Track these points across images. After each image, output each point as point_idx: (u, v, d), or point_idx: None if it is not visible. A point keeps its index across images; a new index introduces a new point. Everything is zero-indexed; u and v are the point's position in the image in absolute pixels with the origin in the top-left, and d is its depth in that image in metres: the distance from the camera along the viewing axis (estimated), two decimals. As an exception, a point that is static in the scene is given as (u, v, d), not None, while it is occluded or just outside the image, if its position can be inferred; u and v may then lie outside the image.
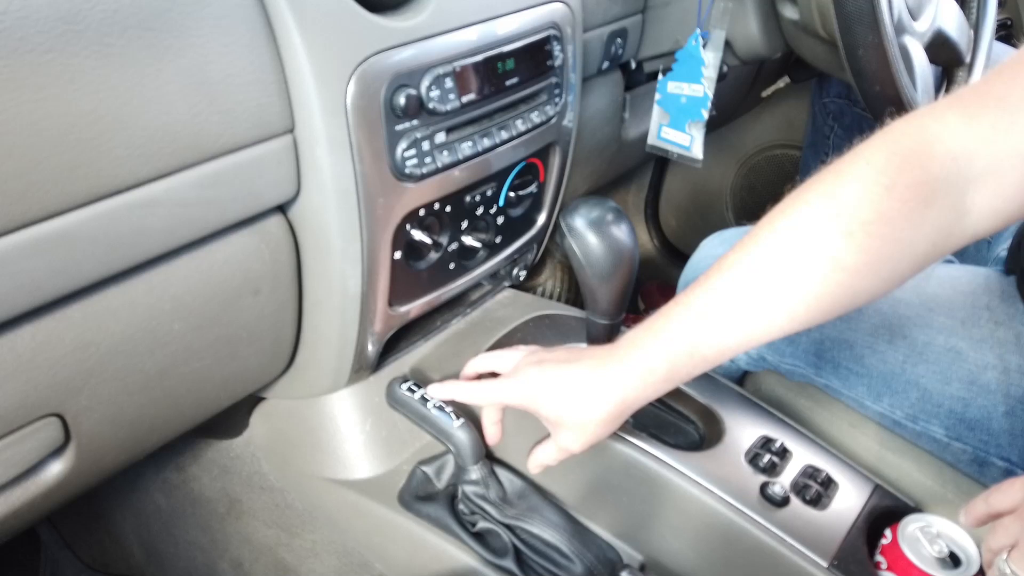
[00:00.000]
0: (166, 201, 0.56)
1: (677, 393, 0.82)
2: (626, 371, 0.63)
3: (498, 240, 0.87)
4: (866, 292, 0.60)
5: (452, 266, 0.83)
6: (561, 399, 0.65)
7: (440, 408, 0.75)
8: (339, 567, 0.85)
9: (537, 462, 0.72)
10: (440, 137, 0.71)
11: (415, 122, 0.68)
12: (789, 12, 1.02)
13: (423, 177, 0.70)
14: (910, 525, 0.71)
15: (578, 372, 0.65)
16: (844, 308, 0.60)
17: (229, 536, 0.94)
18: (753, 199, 1.66)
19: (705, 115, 1.01)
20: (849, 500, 0.75)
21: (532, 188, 0.88)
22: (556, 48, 0.81)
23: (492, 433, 0.75)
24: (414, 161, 0.69)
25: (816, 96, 1.42)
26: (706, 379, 0.84)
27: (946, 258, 0.95)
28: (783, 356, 0.90)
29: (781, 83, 1.62)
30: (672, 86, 1.03)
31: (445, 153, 0.71)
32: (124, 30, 0.51)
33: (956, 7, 1.11)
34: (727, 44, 1.02)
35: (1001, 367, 0.79)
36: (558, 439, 0.67)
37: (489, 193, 0.81)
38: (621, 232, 0.70)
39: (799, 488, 0.74)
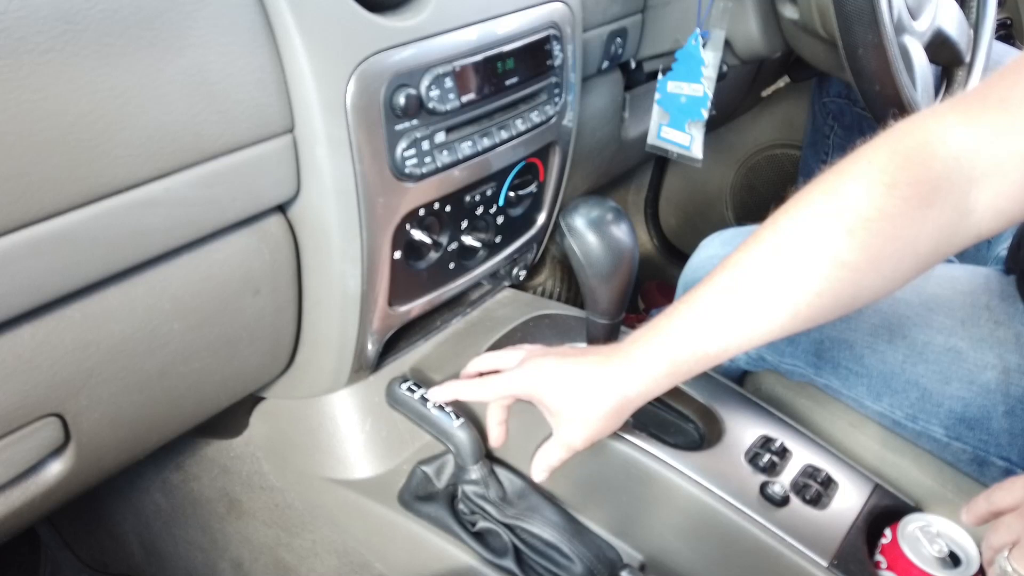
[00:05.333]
0: (166, 201, 0.56)
1: (677, 393, 0.82)
2: (629, 367, 0.63)
3: (498, 240, 0.87)
4: (869, 290, 0.60)
5: (452, 266, 0.83)
6: (565, 390, 0.66)
7: (440, 408, 0.75)
8: (339, 567, 0.85)
9: (542, 466, 0.70)
10: (440, 137, 0.71)
11: (415, 122, 0.68)
12: (789, 12, 1.02)
13: (423, 177, 0.70)
14: (910, 524, 0.71)
15: (583, 365, 0.66)
16: (847, 307, 0.61)
17: (229, 536, 0.94)
18: (753, 199, 1.66)
19: (705, 115, 1.01)
20: (849, 499, 0.75)
21: (532, 188, 0.88)
22: (556, 48, 0.81)
23: (496, 434, 0.75)
24: (414, 161, 0.69)
25: (816, 96, 1.42)
26: (706, 379, 0.84)
27: (946, 257, 0.95)
28: (783, 356, 0.90)
29: (781, 83, 1.62)
30: (672, 86, 1.03)
31: (445, 153, 0.71)
32: (124, 30, 0.51)
33: (956, 7, 1.11)
34: (727, 44, 1.02)
35: (1001, 367, 0.79)
36: (560, 433, 0.67)
37: (489, 193, 0.81)
38: (621, 232, 0.70)
39: (799, 488, 0.74)
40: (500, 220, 0.86)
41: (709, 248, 1.01)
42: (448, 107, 0.70)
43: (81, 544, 1.15)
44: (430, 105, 0.68)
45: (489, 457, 0.77)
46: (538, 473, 0.71)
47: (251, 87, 0.58)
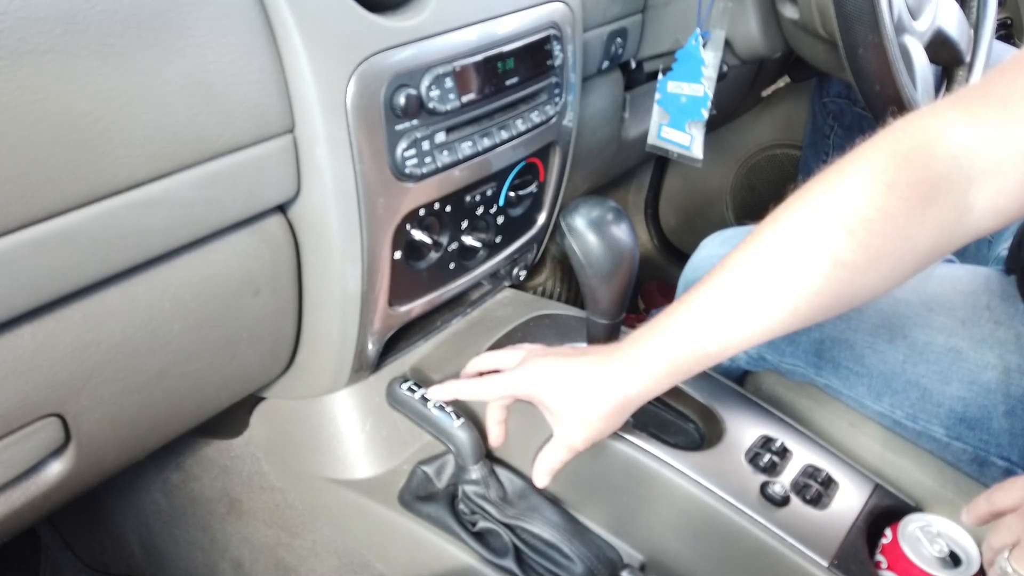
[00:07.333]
0: (166, 201, 0.56)
1: (677, 393, 0.82)
2: (629, 366, 0.63)
3: (498, 240, 0.87)
4: (868, 289, 0.60)
5: (452, 266, 0.83)
6: (565, 390, 0.65)
7: (440, 408, 0.75)
8: (339, 567, 0.84)
9: (544, 469, 0.70)
10: (440, 137, 0.71)
11: (415, 122, 0.68)
12: (789, 12, 1.02)
13: (423, 177, 0.70)
14: (910, 524, 0.71)
15: (583, 366, 0.66)
16: (846, 305, 0.61)
17: (229, 536, 0.94)
18: (753, 199, 1.66)
19: (705, 115, 1.01)
20: (849, 499, 0.75)
21: (532, 188, 0.88)
22: (556, 48, 0.81)
23: (496, 434, 0.75)
24: (414, 161, 0.69)
25: (816, 96, 1.42)
26: (706, 379, 0.84)
27: (946, 258, 0.95)
28: (783, 356, 0.90)
29: (781, 83, 1.62)
30: (672, 86, 1.03)
31: (445, 153, 0.71)
32: (124, 30, 0.51)
33: (956, 6, 1.11)
34: (727, 44, 1.02)
35: (1001, 367, 0.79)
36: (561, 434, 0.67)
37: (489, 193, 0.81)
38: (621, 232, 0.70)
39: (799, 488, 0.74)
40: (500, 220, 0.86)
41: (709, 248, 1.01)
42: (448, 107, 0.70)
43: (81, 544, 1.15)
44: (430, 105, 0.68)
45: (489, 457, 0.77)
46: (540, 477, 0.70)
47: (251, 87, 0.58)
